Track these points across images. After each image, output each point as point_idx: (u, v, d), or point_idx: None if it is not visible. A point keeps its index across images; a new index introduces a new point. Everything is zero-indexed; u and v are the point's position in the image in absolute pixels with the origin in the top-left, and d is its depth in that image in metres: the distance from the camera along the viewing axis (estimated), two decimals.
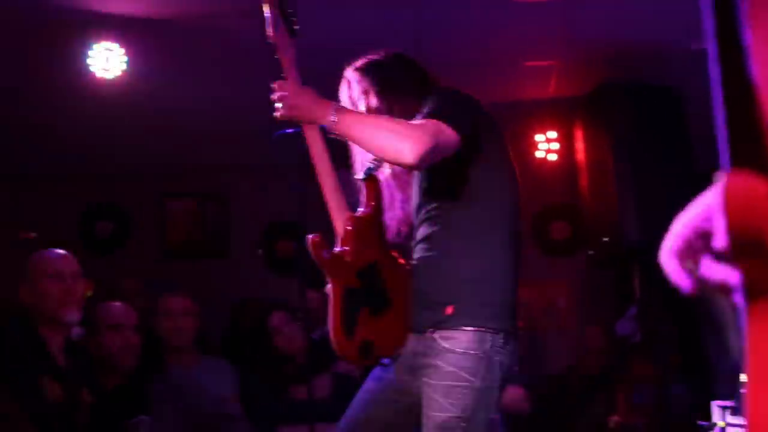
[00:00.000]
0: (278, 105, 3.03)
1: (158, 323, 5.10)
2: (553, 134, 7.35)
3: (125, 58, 5.61)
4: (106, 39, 5.54)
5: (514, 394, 5.29)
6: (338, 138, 3.00)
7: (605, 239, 6.59)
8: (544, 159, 7.43)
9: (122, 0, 5.19)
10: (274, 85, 3.06)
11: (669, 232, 0.98)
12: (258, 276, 8.00)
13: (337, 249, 3.08)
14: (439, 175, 3.04)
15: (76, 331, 4.19)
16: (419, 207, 3.13)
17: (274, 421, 5.08)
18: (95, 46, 5.56)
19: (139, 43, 5.64)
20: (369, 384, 3.21)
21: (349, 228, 3.07)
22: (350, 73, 3.31)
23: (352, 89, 3.28)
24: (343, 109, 3.00)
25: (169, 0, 5.25)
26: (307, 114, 3.00)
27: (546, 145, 7.42)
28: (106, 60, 5.58)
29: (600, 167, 6.62)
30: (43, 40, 5.58)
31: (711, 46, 0.89)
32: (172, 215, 8.67)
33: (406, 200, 3.27)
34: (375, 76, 3.26)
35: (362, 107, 3.23)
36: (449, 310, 2.95)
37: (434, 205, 3.07)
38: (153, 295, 5.64)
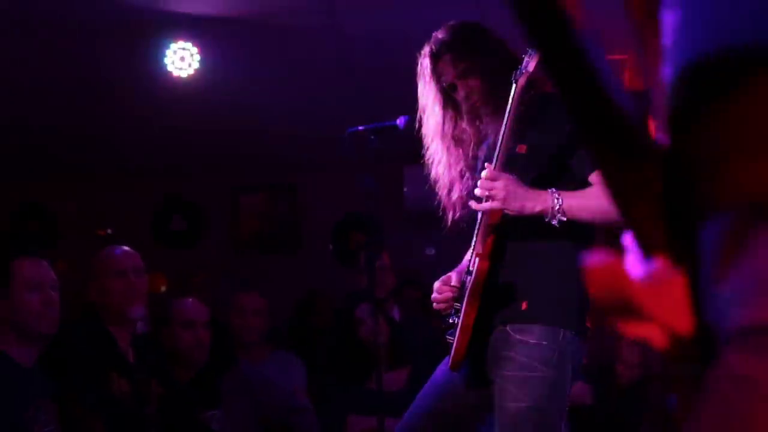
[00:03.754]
0: (488, 196, 2.86)
1: (230, 319, 5.18)
2: None
3: (199, 57, 5.68)
4: (181, 38, 5.62)
5: (577, 388, 5.27)
6: (560, 224, 2.85)
7: None
8: None
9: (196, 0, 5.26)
10: (483, 176, 2.88)
11: None
12: (328, 269, 8.03)
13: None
14: (540, 178, 2.98)
15: (141, 327, 4.24)
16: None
17: (344, 411, 5.11)
18: (172, 46, 5.64)
19: (212, 42, 5.70)
20: (437, 377, 3.19)
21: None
22: (438, 53, 3.09)
23: (442, 73, 3.09)
24: (560, 192, 2.85)
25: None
26: (525, 205, 2.84)
27: None
28: (181, 59, 5.67)
29: None
30: (119, 40, 5.66)
31: None
32: (244, 209, 8.75)
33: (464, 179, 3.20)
34: (476, 55, 3.08)
35: (462, 93, 3.08)
36: (524, 305, 2.95)
37: None
38: (225, 288, 5.69)
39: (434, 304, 3.16)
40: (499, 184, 2.84)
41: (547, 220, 2.85)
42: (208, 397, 4.36)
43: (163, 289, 6.58)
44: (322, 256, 8.34)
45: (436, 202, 3.27)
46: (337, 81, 6.56)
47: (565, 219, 2.84)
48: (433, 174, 3.23)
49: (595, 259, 0.88)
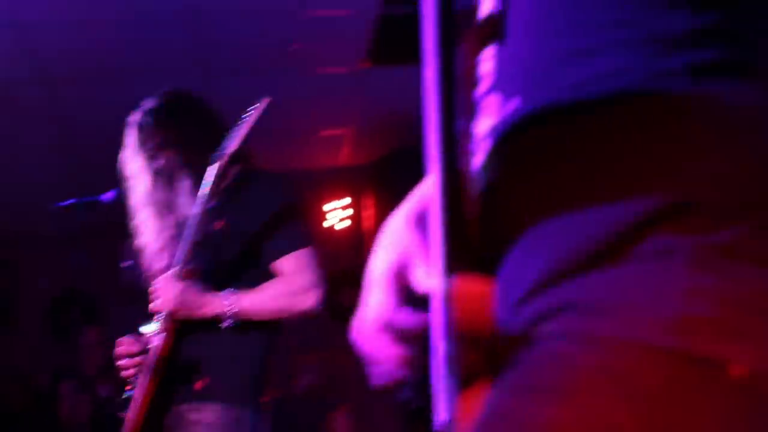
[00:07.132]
0: (158, 300, 2.87)
1: None
2: (346, 201, 7.42)
3: None
4: None
5: None
6: (232, 324, 2.86)
7: None
8: (331, 227, 7.49)
9: None
10: (155, 283, 2.89)
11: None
12: (44, 346, 7.71)
13: None
14: (231, 259, 2.97)
15: None
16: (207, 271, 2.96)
17: None
18: None
19: None
20: None
21: None
22: (142, 122, 3.06)
23: (145, 141, 3.03)
24: (235, 294, 2.87)
25: None
26: (193, 314, 2.85)
27: (337, 213, 7.48)
28: None
29: None
30: None
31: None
32: None
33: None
34: (176, 126, 3.06)
35: (161, 163, 3.01)
36: (198, 385, 2.90)
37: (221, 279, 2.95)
38: None
39: (116, 360, 3.02)
40: (167, 296, 2.84)
41: (219, 323, 2.86)
42: None
43: None
44: (37, 332, 8.02)
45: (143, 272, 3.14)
46: (53, 154, 6.38)
47: (235, 321, 2.86)
48: (141, 242, 3.12)
49: (460, 286, 0.89)
